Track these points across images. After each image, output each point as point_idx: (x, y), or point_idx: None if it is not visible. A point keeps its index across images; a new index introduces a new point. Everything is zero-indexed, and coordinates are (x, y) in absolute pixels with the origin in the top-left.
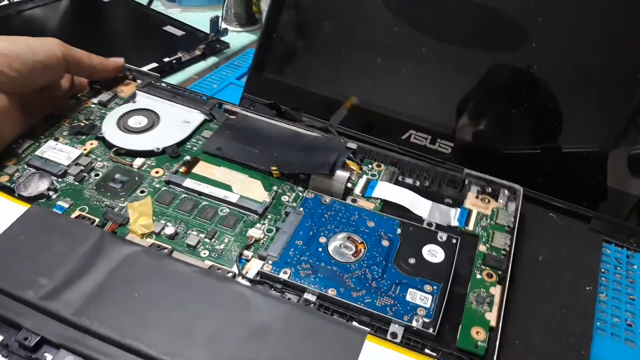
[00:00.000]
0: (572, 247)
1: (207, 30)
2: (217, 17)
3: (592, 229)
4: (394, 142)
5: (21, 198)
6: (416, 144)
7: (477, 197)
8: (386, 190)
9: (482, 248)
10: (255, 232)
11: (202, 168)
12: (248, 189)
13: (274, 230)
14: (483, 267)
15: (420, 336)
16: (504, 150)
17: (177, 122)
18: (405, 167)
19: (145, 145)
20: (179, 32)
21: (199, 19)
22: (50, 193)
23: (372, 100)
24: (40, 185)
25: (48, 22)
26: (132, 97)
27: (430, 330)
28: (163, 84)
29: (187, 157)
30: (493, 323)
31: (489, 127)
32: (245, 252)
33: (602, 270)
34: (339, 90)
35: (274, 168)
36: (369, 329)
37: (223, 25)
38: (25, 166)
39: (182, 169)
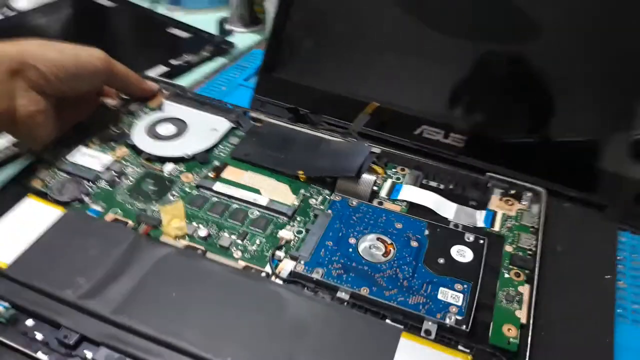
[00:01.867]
0: (588, 236)
1: (212, 32)
2: (226, 18)
3: (607, 217)
4: (407, 138)
5: (56, 202)
6: (429, 139)
7: (501, 199)
8: (412, 193)
9: (508, 248)
10: (285, 234)
11: (231, 173)
12: (276, 192)
13: (304, 232)
14: (510, 266)
15: (454, 333)
16: (517, 141)
17: (205, 129)
18: (429, 171)
19: (175, 151)
20: (184, 34)
21: (202, 21)
22: (84, 197)
23: (383, 97)
24: (74, 190)
25: (52, 29)
26: (159, 107)
27: (464, 327)
28: (189, 94)
29: (216, 163)
30: (523, 320)
31: (502, 119)
32: (277, 253)
33: (619, 257)
34: (350, 88)
35: (300, 172)
36: (402, 327)
37: (229, 27)
38: (57, 171)
39: (211, 174)
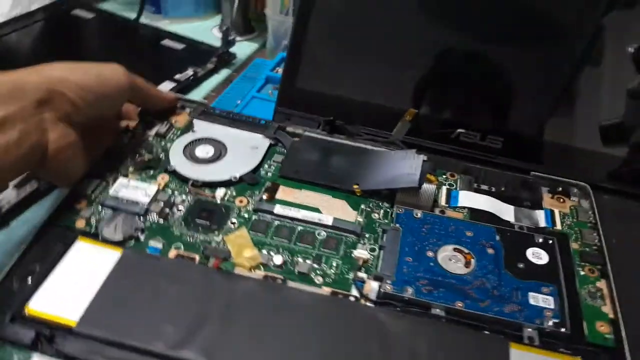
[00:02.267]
0: (635, 227)
1: (205, 41)
2: (228, 28)
3: None
4: (444, 142)
5: (107, 242)
6: (466, 142)
7: (552, 197)
8: (470, 199)
9: (575, 246)
10: (361, 253)
11: (285, 193)
12: (336, 209)
13: (377, 249)
14: (582, 263)
15: (554, 337)
16: (552, 139)
17: (245, 148)
18: (478, 174)
19: (220, 174)
20: (179, 46)
21: (189, 30)
22: (138, 234)
23: (418, 102)
24: (127, 227)
25: (23, 44)
26: (189, 127)
27: (563, 330)
28: (217, 111)
29: (268, 183)
30: (612, 315)
31: (538, 118)
32: (359, 274)
33: None
34: (378, 95)
35: (355, 186)
36: (503, 337)
37: (220, 35)
38: (100, 207)
39: (265, 196)
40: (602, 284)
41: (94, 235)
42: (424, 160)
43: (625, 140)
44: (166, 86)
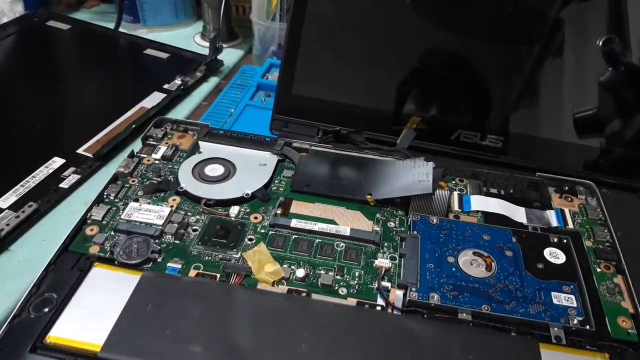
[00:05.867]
0: (633, 217)
1: (190, 49)
2: (217, 35)
3: None
4: (445, 143)
5: (124, 266)
6: (467, 142)
7: (560, 197)
8: (482, 203)
9: (588, 243)
10: (382, 262)
11: (299, 207)
12: (352, 220)
13: (397, 257)
14: (598, 260)
15: (580, 335)
16: (551, 136)
17: (254, 166)
18: (487, 178)
19: (232, 192)
20: (163, 55)
21: (169, 38)
22: (155, 256)
23: (416, 105)
24: (144, 250)
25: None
26: (195, 148)
27: (588, 327)
28: (221, 132)
29: (281, 198)
30: (632, 310)
31: (535, 117)
32: (383, 283)
33: None
34: (376, 99)
35: (368, 196)
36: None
37: (203, 42)
38: (113, 232)
39: (278, 211)
40: (619, 279)
41: (110, 260)
42: (435, 167)
43: (600, 131)
44: (156, 97)
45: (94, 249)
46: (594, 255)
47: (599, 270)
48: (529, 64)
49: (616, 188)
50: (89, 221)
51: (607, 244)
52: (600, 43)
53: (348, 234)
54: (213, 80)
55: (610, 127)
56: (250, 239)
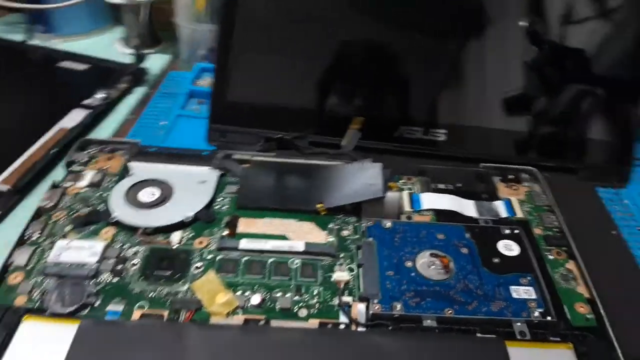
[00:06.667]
0: (577, 199)
1: (110, 58)
2: (140, 42)
3: (582, 179)
4: (389, 141)
5: (58, 316)
6: (410, 139)
7: (505, 186)
8: (433, 200)
9: (537, 231)
10: (340, 275)
11: (247, 225)
12: (304, 233)
13: (355, 268)
14: (549, 247)
15: (542, 327)
16: (490, 125)
17: (193, 184)
18: (434, 174)
19: (172, 217)
20: (80, 66)
21: (87, 48)
22: (93, 300)
23: (354, 104)
24: (78, 295)
25: None
26: (125, 171)
27: (549, 318)
28: (153, 149)
29: (226, 218)
30: (587, 295)
31: (475, 105)
32: (344, 299)
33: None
34: (316, 100)
35: (319, 205)
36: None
37: (125, 50)
38: (41, 278)
39: (225, 232)
40: (571, 265)
41: (41, 311)
42: (383, 168)
43: (528, 110)
44: (77, 114)
45: (20, 300)
46: (544, 243)
47: (551, 257)
48: (455, 53)
49: (556, 171)
50: (10, 268)
51: (555, 229)
52: (524, 24)
53: (302, 248)
54: (139, 91)
55: (537, 106)
56: (197, 267)
